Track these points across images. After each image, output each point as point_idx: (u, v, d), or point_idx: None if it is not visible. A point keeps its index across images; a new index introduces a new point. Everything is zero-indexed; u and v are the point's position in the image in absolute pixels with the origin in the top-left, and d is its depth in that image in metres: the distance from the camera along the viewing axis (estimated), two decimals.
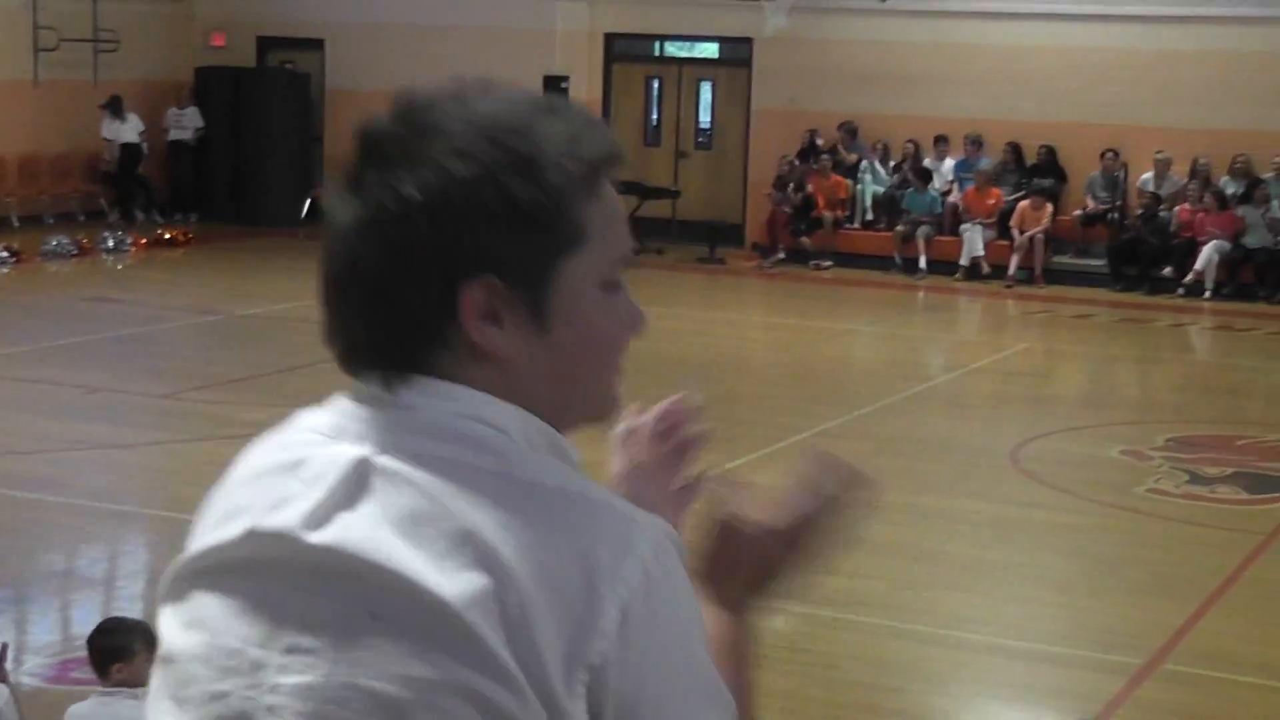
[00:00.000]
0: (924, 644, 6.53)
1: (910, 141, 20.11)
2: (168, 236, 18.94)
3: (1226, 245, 18.16)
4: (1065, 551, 7.91)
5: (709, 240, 20.17)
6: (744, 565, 1.65)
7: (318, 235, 1.53)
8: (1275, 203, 18.36)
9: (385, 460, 1.44)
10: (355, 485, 1.43)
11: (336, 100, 21.67)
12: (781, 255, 19.82)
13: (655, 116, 22.17)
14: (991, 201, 19.30)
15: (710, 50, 21.85)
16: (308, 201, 19.90)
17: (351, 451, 1.45)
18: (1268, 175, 18.66)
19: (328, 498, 1.44)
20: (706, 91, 21.91)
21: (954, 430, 10.60)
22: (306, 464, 1.47)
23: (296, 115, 21.62)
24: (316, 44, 22.17)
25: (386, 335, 1.47)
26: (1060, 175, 19.66)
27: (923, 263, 19.24)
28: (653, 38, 21.98)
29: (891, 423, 10.82)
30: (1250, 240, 18.20)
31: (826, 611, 6.76)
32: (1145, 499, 8.91)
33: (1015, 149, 19.81)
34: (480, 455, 1.43)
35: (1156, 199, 18.91)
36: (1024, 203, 19.12)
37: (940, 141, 20.03)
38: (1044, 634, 6.71)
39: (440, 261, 1.44)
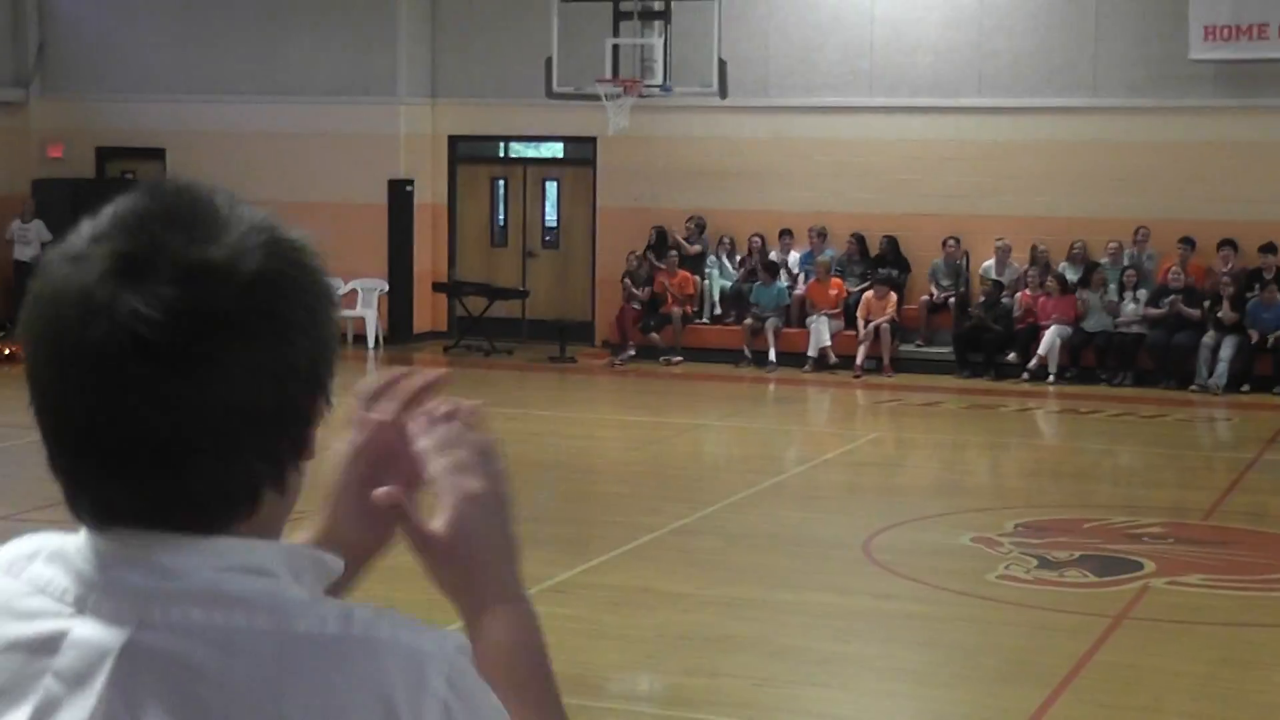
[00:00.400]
0: None
1: (756, 235, 20.32)
2: (7, 352, 18.49)
3: (1068, 329, 18.52)
4: (920, 642, 7.90)
5: (559, 339, 20.14)
6: (464, 557, 1.55)
7: None
8: (1112, 286, 18.78)
9: (153, 642, 1.29)
10: (129, 688, 1.28)
11: None
12: (632, 352, 19.85)
13: (502, 217, 22.19)
14: (834, 292, 19.52)
15: (555, 150, 21.95)
16: None
17: (111, 637, 1.30)
18: (1103, 260, 19.10)
19: (103, 711, 1.28)
20: (552, 190, 21.98)
21: (806, 523, 10.61)
22: (58, 650, 1.30)
23: None
24: (158, 153, 21.92)
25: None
26: (904, 264, 19.96)
27: (772, 355, 19.39)
28: (497, 139, 22.04)
29: (744, 517, 10.80)
30: (1090, 324, 18.58)
31: (683, 713, 6.69)
32: (996, 586, 8.96)
33: (859, 240, 20.08)
34: (254, 616, 1.31)
35: (999, 286, 19.26)
36: (869, 293, 19.36)
37: (785, 234, 20.26)
38: None
39: None
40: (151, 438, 1.30)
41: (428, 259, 21.84)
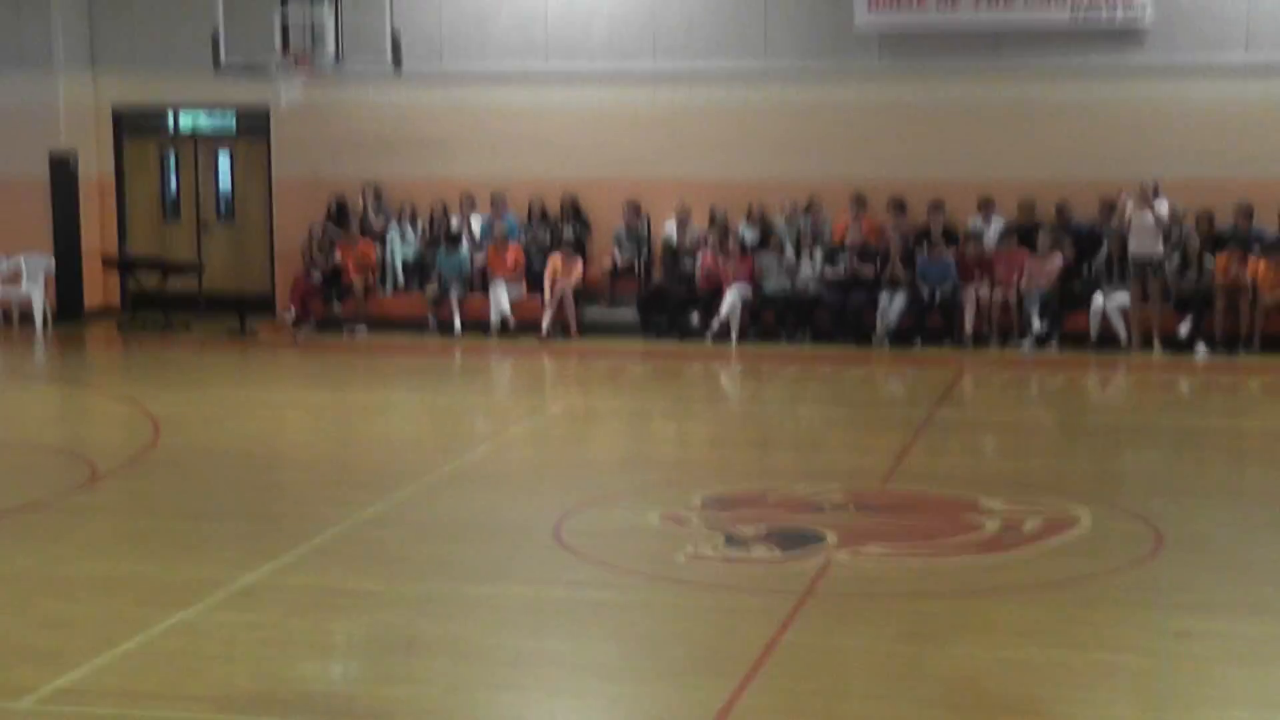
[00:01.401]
0: None
1: (437, 204, 20.11)
2: None
3: (748, 291, 18.83)
4: (609, 634, 7.90)
5: (238, 313, 19.61)
6: None
7: None
8: (789, 248, 19.16)
9: None
10: None
11: None
12: (313, 325, 19.45)
13: (174, 190, 21.45)
14: (515, 259, 19.45)
15: (227, 121, 21.28)
16: None
17: None
18: (780, 222, 19.47)
19: None
20: (225, 163, 21.33)
21: (496, 507, 10.52)
22: None
23: None
24: None
25: None
26: (586, 230, 20.00)
27: (457, 324, 19.24)
28: (165, 110, 21.26)
29: (433, 504, 10.67)
30: (769, 286, 18.93)
31: None
32: (685, 566, 9.02)
33: (541, 206, 20.05)
34: None
35: (679, 249, 19.46)
36: (553, 258, 19.34)
37: (466, 202, 20.08)
38: None
39: None
40: None
41: (96, 234, 21.00)
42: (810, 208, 19.42)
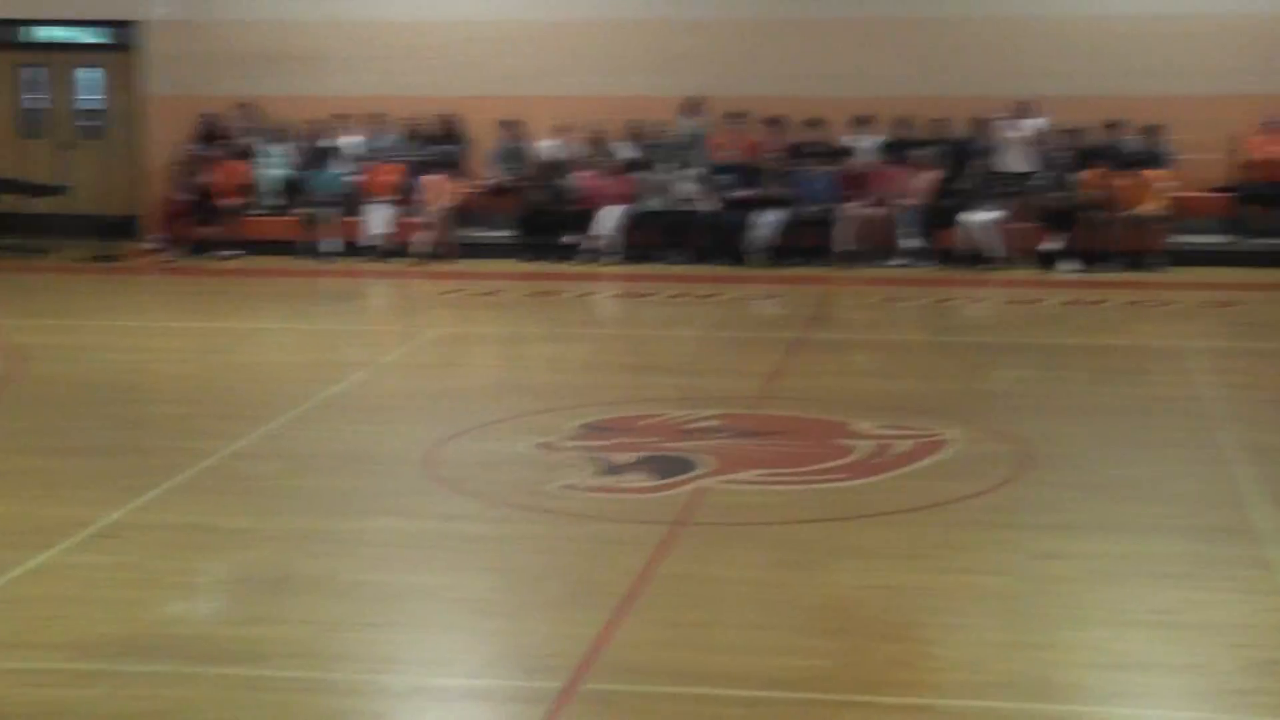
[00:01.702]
0: (345, 696, 6.33)
1: (310, 122, 19.81)
2: None
3: (626, 209, 18.78)
4: (484, 568, 7.88)
5: (102, 236, 19.23)
6: None
7: None
8: (665, 166, 19.10)
9: None
10: None
11: None
12: (183, 249, 19.13)
13: (32, 106, 20.91)
14: (392, 179, 19.24)
15: (92, 35, 20.75)
16: None
17: None
18: (659, 140, 19.40)
19: None
20: (92, 78, 20.82)
21: (370, 438, 10.44)
22: None
23: None
24: None
25: None
26: (464, 148, 19.81)
27: (330, 246, 19.02)
28: (20, 23, 20.68)
29: (306, 435, 10.56)
30: (647, 203, 18.88)
31: (237, 670, 6.48)
32: (559, 497, 9.01)
33: (416, 125, 19.82)
34: None
35: (558, 167, 19.34)
36: (429, 178, 19.14)
37: (340, 121, 19.80)
38: (467, 667, 6.64)
39: None
40: None
41: None
42: (688, 122, 19.36)
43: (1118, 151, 18.42)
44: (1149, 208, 17.95)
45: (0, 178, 20.20)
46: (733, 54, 19.60)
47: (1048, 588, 7.50)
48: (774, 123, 19.21)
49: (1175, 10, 18.86)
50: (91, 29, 20.52)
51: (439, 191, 19.02)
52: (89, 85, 20.77)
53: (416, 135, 19.81)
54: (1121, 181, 18.03)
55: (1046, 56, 19.04)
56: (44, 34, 20.74)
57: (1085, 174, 18.18)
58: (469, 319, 15.84)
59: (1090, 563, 7.86)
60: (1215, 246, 18.21)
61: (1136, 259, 17.84)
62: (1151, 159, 18.32)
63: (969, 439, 10.31)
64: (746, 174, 18.83)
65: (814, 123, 19.14)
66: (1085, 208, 17.96)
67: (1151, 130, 18.46)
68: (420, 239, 18.74)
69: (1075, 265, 17.76)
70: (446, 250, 18.82)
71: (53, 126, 20.79)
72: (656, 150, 19.27)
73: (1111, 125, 18.48)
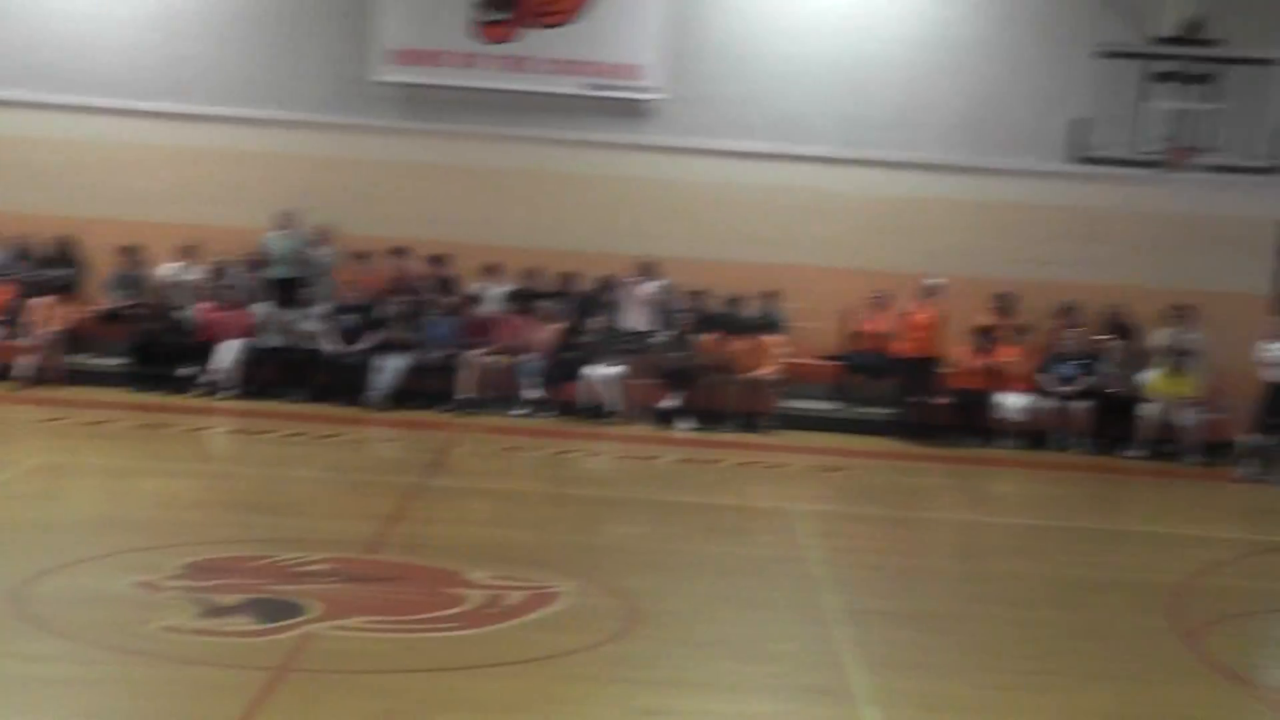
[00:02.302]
0: None
1: None
2: None
3: (246, 343, 18.37)
4: (71, 714, 7.45)
5: None
6: None
7: None
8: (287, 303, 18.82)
9: None
10: None
11: None
12: None
13: None
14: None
15: None
16: None
17: None
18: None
19: None
20: None
21: None
22: None
23: None
24: None
25: None
26: (78, 270, 19.12)
27: None
28: None
29: None
30: (269, 339, 18.52)
31: None
32: (157, 639, 8.62)
33: (26, 244, 19.07)
34: None
35: (177, 294, 18.82)
36: (37, 300, 18.37)
37: None
38: None
39: None
40: None
41: None
42: (318, 257, 19.18)
43: (736, 317, 19.05)
44: (764, 371, 18.58)
45: None
46: (370, 192, 19.57)
47: None
48: (400, 253, 19.21)
49: (795, 183, 19.73)
50: None
51: (48, 315, 18.26)
52: None
53: (28, 255, 19.03)
54: (739, 345, 18.63)
55: (672, 220, 19.64)
56: None
57: (704, 337, 18.73)
58: (72, 449, 15.13)
59: (694, 719, 7.94)
60: (823, 413, 18.94)
61: (750, 420, 18.39)
62: (768, 324, 19.00)
63: (581, 592, 10.34)
64: (371, 315, 18.71)
65: (438, 259, 19.21)
66: (703, 369, 18.47)
67: (769, 296, 19.17)
68: (24, 363, 17.91)
69: (692, 423, 18.19)
70: (53, 376, 18.03)
71: None
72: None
73: (733, 300, 19.13)
